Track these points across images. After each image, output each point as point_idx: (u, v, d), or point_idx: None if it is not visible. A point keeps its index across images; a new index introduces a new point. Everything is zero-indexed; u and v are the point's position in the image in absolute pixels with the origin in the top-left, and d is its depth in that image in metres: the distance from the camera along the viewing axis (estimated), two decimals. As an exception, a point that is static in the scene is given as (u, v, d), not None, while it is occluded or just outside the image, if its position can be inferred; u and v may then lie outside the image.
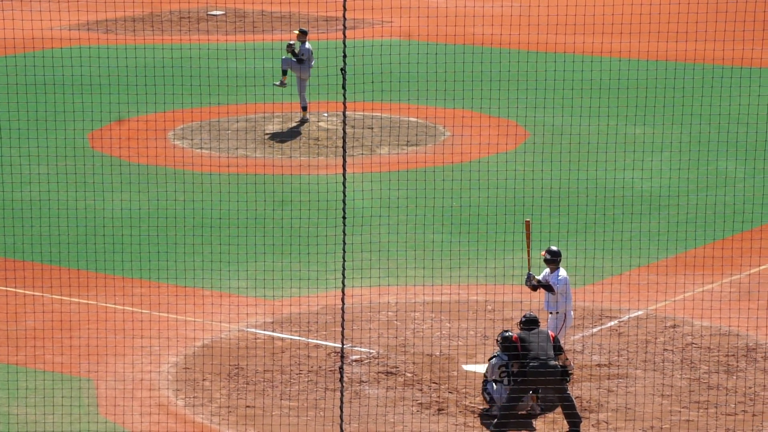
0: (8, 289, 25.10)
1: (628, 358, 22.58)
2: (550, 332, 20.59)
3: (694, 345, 23.09)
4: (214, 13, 49.73)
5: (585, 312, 24.22)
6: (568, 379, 20.54)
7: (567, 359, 20.71)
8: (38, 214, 28.60)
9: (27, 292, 24.98)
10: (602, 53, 42.40)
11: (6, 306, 24.47)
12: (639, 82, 38.07)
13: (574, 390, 21.36)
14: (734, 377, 21.85)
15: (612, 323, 23.78)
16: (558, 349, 20.38)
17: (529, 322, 20.54)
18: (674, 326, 23.76)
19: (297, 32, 35.47)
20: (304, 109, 35.19)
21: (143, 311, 24.22)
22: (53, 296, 24.78)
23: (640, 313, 24.13)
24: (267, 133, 34.88)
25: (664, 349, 22.86)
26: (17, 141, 33.23)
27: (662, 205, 29.67)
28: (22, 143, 33.35)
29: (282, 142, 34.37)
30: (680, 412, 20.76)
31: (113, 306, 24.47)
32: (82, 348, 22.64)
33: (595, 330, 23.58)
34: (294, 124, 35.53)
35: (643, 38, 42.64)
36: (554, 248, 21.50)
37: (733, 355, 22.60)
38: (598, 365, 22.29)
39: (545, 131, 34.87)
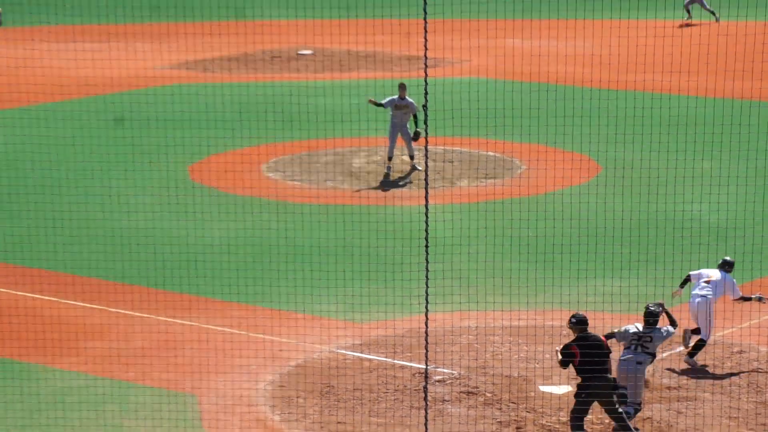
0: (119, 311, 25.52)
1: (697, 381, 22.67)
2: (602, 337, 20.45)
3: (760, 370, 23.15)
4: (303, 52, 50.15)
5: (655, 337, 24.33)
6: (617, 392, 20.37)
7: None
8: (144, 241, 29.06)
9: (136, 313, 25.41)
10: (671, 91, 42.26)
11: (117, 326, 24.95)
12: (706, 119, 37.87)
13: (645, 411, 21.48)
14: (797, 400, 21.93)
15: (681, 348, 23.79)
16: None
17: (580, 322, 20.37)
18: (741, 352, 23.83)
19: (398, 85, 35.40)
20: (411, 157, 35.26)
21: (241, 332, 24.54)
22: (159, 318, 25.21)
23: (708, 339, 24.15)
24: (354, 166, 35.16)
25: (731, 374, 22.93)
26: (124, 173, 33.74)
27: (729, 237, 29.60)
28: (128, 175, 33.82)
29: (368, 174, 34.64)
30: (746, 433, 20.88)
31: (214, 327, 24.81)
32: (186, 366, 22.99)
33: (665, 355, 23.59)
34: (378, 158, 35.81)
35: (710, 77, 42.55)
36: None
37: (797, 380, 22.67)
38: (668, 388, 22.41)
39: (617, 165, 34.81)
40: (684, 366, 23.26)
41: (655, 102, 39.99)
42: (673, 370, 23.13)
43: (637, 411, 21.00)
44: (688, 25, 55.06)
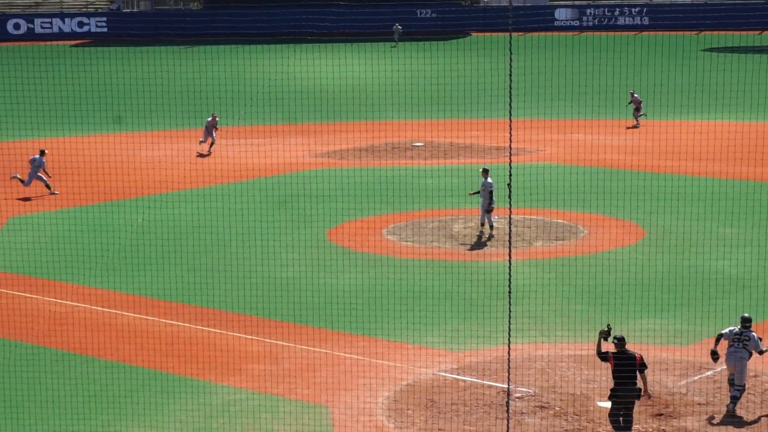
0: (272, 341, 25.26)
1: (722, 398, 21.94)
2: (636, 354, 20.03)
3: (771, 390, 22.42)
4: (416, 144, 50.04)
5: (689, 364, 23.64)
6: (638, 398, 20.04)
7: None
8: (292, 287, 28.97)
9: (284, 343, 25.14)
10: (699, 173, 41.67)
11: (270, 352, 24.66)
12: (727, 195, 37.25)
13: (680, 421, 20.85)
14: (802, 415, 21.14)
15: (708, 373, 23.12)
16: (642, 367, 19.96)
17: (620, 340, 20.02)
18: (755, 376, 23.01)
19: (481, 170, 34.84)
20: (490, 227, 34.61)
21: (365, 358, 24.19)
22: (302, 346, 24.92)
23: (730, 365, 23.42)
24: (454, 230, 34.85)
25: (749, 393, 22.14)
26: (278, 235, 33.72)
27: (746, 286, 28.87)
28: (282, 237, 33.77)
29: (464, 236, 34.30)
30: (761, 440, 20.19)
31: (344, 354, 24.48)
32: (322, 384, 22.77)
33: (696, 378, 22.97)
34: (472, 224, 35.45)
35: (730, 164, 41.85)
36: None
37: (801, 399, 21.87)
38: (699, 403, 21.70)
39: (658, 230, 34.24)
40: (711, 386, 22.48)
41: (687, 182, 39.50)
42: (702, 390, 22.33)
43: (741, 393, 21.11)
44: (634, 126, 53.36)
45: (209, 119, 48.16)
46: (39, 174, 39.76)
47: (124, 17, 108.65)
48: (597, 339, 20.43)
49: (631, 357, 19.89)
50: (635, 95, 54.43)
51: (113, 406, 21.81)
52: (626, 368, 19.77)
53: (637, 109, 53.97)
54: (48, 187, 39.73)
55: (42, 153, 40.30)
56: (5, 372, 23.65)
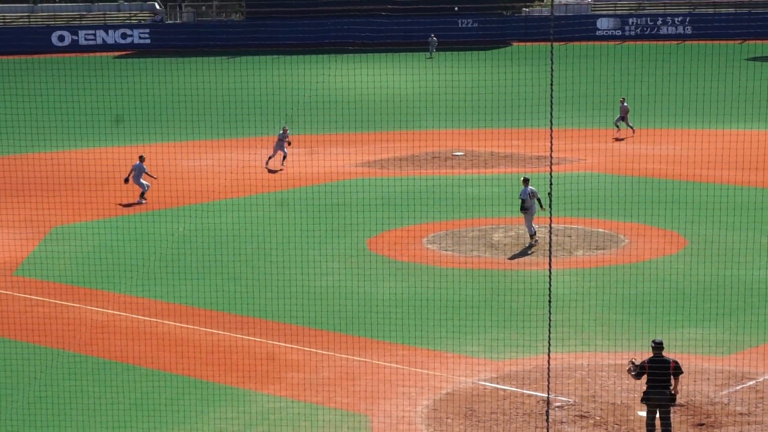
0: (311, 350, 25.27)
1: (764, 408, 21.71)
2: (671, 360, 19.95)
3: (814, 401, 22.13)
4: (457, 153, 50.02)
5: (730, 374, 23.43)
6: (673, 404, 19.93)
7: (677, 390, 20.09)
8: (332, 296, 28.99)
9: (324, 351, 25.14)
10: (740, 183, 41.35)
11: (310, 361, 24.65)
12: (765, 205, 36.94)
13: (722, 431, 20.67)
14: None
15: (751, 383, 22.87)
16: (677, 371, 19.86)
17: (657, 345, 20.01)
18: (799, 386, 22.78)
19: (522, 179, 34.62)
20: (532, 236, 34.48)
21: (404, 367, 24.12)
22: (341, 355, 24.91)
23: (772, 376, 23.26)
24: (494, 239, 34.78)
25: (791, 404, 21.94)
26: (318, 244, 33.81)
27: (789, 295, 28.58)
28: (322, 246, 33.88)
29: (504, 246, 34.19)
30: (804, 451, 19.94)
31: (383, 363, 24.41)
32: (362, 392, 22.72)
33: (738, 387, 22.72)
34: (512, 233, 35.35)
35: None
36: None
37: None
38: (741, 414, 21.49)
39: (700, 240, 34.00)
40: (753, 396, 22.27)
41: (729, 191, 39.27)
42: (744, 400, 22.11)
43: None
44: (618, 139, 52.74)
45: (280, 132, 46.50)
46: (141, 180, 40.82)
47: (167, 28, 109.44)
48: (632, 373, 20.32)
49: (665, 362, 19.88)
50: (625, 104, 53.46)
51: (154, 414, 21.91)
52: (659, 372, 19.77)
53: (622, 118, 53.20)
54: (142, 194, 40.84)
55: (141, 159, 41.24)
56: (48, 380, 23.85)
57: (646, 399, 19.97)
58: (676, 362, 20.04)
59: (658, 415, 19.89)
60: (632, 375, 20.14)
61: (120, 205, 40.16)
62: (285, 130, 46.82)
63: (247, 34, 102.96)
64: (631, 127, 53.67)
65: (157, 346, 25.61)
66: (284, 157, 46.73)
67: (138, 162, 41.01)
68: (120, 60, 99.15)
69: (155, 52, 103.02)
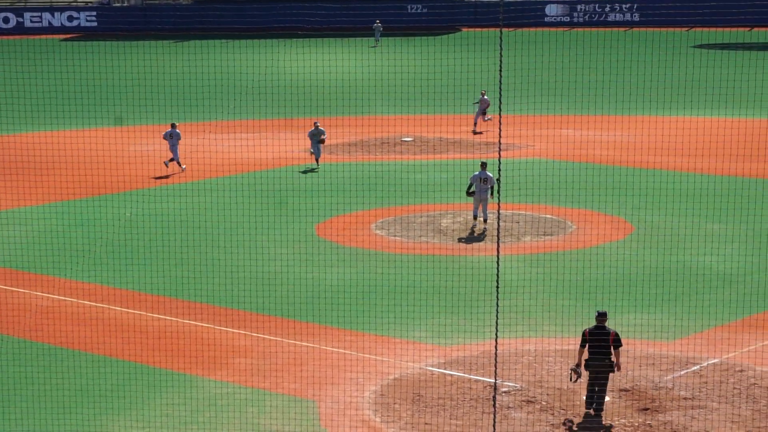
0: (259, 335, 25.23)
1: (707, 393, 21.97)
2: (612, 330, 20.59)
3: (756, 385, 22.39)
4: (405, 139, 50.07)
5: (675, 359, 23.69)
6: (611, 370, 20.57)
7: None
8: (279, 282, 28.94)
9: (271, 337, 25.09)
10: (687, 170, 41.75)
11: (257, 347, 24.59)
12: (714, 192, 37.34)
13: (666, 416, 20.89)
14: (787, 410, 21.18)
15: (695, 368, 23.15)
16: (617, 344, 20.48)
17: (600, 315, 20.71)
18: (741, 371, 23.06)
19: (480, 163, 34.52)
20: (475, 217, 34.45)
21: (352, 353, 24.18)
22: (289, 341, 24.89)
23: (716, 361, 23.52)
24: (442, 225, 34.88)
25: (734, 388, 22.20)
26: (266, 230, 33.74)
27: (733, 282, 28.94)
28: (270, 231, 33.82)
29: (453, 231, 34.31)
30: (746, 435, 20.21)
31: (331, 348, 24.47)
32: (309, 378, 22.74)
33: (682, 372, 22.98)
34: (461, 219, 35.46)
35: (717, 160, 41.94)
36: None
37: (787, 394, 21.92)
38: (684, 398, 21.73)
39: (646, 226, 34.32)
40: (697, 380, 22.54)
41: (675, 178, 39.59)
42: (688, 385, 22.38)
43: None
44: (478, 133, 52.34)
45: (312, 130, 43.96)
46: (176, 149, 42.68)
47: (114, 11, 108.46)
48: (572, 380, 21.09)
49: (606, 332, 20.56)
50: (485, 96, 52.15)
51: (100, 400, 21.79)
52: (599, 340, 20.39)
53: (484, 112, 52.58)
54: (176, 160, 42.72)
55: (173, 126, 42.89)
56: (-8, 366, 23.63)
57: (587, 366, 20.64)
58: (616, 333, 20.68)
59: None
60: (573, 381, 20.97)
61: (153, 178, 41.72)
62: (316, 125, 44.07)
63: (196, 18, 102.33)
64: (476, 121, 52.43)
65: (104, 332, 25.45)
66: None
67: (170, 128, 42.82)
68: (66, 43, 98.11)
69: (102, 35, 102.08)
